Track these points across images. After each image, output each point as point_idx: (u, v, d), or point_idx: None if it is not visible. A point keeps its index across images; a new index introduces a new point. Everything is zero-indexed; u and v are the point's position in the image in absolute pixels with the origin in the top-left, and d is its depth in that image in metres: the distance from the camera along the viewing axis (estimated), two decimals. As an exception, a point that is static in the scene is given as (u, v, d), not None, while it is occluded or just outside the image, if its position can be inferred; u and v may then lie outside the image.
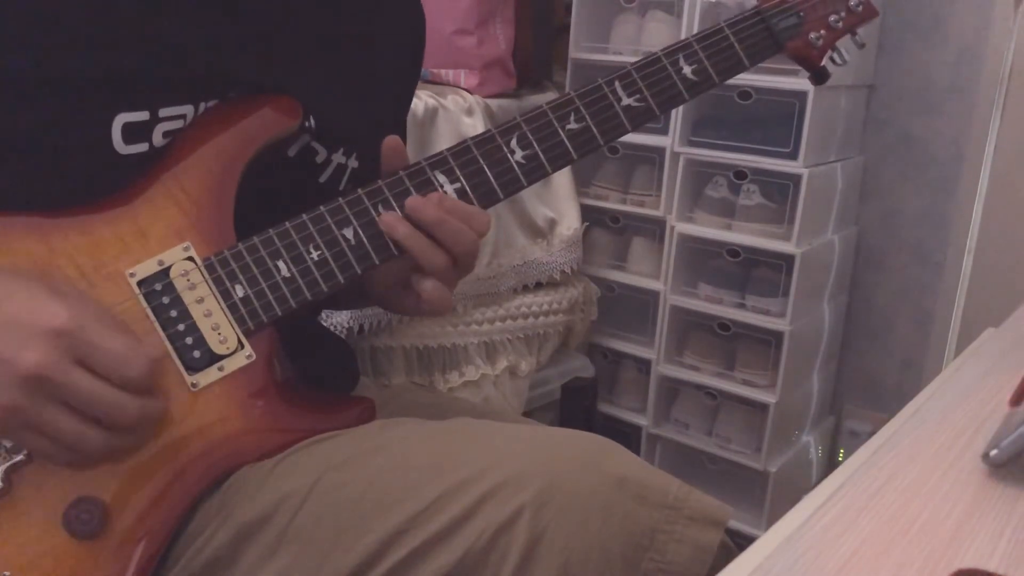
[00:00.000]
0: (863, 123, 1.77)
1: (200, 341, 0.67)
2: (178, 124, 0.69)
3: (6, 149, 0.65)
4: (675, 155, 1.65)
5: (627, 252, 1.79)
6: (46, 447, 0.60)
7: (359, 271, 0.71)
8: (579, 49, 1.74)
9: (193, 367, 0.66)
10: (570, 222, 1.67)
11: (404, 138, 0.92)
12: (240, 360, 0.68)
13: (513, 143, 0.73)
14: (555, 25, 1.76)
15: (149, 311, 0.66)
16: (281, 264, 0.69)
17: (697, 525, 0.61)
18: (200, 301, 0.67)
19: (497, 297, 1.56)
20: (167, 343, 0.66)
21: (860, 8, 0.79)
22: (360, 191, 0.71)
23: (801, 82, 1.47)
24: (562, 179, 1.67)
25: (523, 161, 0.73)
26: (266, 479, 0.66)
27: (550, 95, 1.69)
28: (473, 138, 0.73)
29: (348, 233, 0.70)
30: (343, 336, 1.28)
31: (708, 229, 1.65)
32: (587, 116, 0.73)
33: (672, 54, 0.75)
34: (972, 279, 1.66)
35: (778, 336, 1.60)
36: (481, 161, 0.72)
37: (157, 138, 0.68)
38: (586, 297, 1.74)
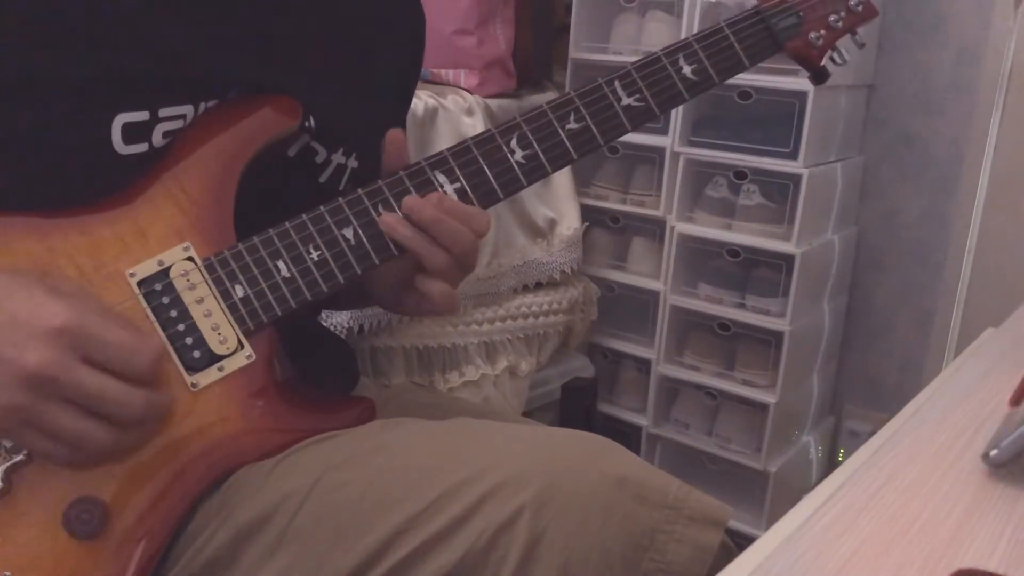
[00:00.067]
0: (863, 123, 1.77)
1: (200, 341, 0.67)
2: (178, 124, 0.69)
3: (6, 149, 0.65)
4: (675, 155, 1.65)
5: (627, 252, 1.79)
6: (49, 446, 0.60)
7: (359, 271, 0.71)
8: (579, 49, 1.74)
9: (193, 367, 0.66)
10: (570, 222, 1.67)
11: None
12: (240, 360, 0.68)
13: (513, 143, 0.73)
14: (555, 25, 1.76)
15: (149, 311, 0.66)
16: (281, 264, 0.69)
17: (697, 525, 0.61)
18: (200, 301, 0.67)
19: (497, 297, 1.56)
20: (167, 343, 0.66)
21: (860, 8, 0.79)
22: (360, 191, 0.71)
23: (801, 82, 1.47)
24: (562, 179, 1.67)
25: (523, 161, 0.73)
26: (266, 479, 0.66)
27: (550, 95, 1.69)
28: (473, 138, 0.73)
29: (348, 233, 0.70)
30: (343, 336, 1.28)
31: (708, 229, 1.65)
32: (587, 116, 0.73)
33: (672, 54, 0.75)
34: (972, 279, 1.66)
35: (778, 336, 1.60)
36: (481, 161, 0.72)
37: (157, 138, 0.68)
38: (586, 297, 1.74)
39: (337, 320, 1.28)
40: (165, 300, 0.66)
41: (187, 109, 0.70)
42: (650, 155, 1.70)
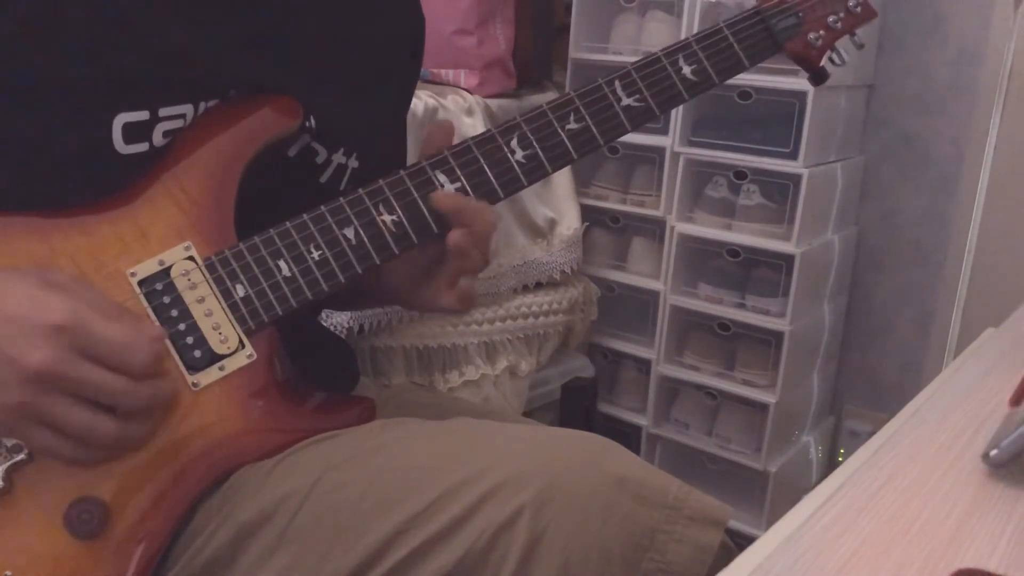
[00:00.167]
0: (863, 123, 1.77)
1: (201, 341, 0.67)
2: (178, 124, 0.69)
3: (6, 149, 0.65)
4: (675, 155, 1.65)
5: (627, 252, 1.79)
6: (55, 443, 0.60)
7: (360, 271, 0.71)
8: (579, 49, 1.74)
9: (194, 367, 0.66)
10: (570, 222, 1.68)
11: (404, 138, 0.92)
12: (241, 360, 0.68)
13: (513, 143, 0.73)
14: (555, 25, 1.76)
15: (150, 311, 0.66)
16: (282, 263, 0.69)
17: (697, 525, 0.61)
18: (201, 301, 0.67)
19: (497, 297, 1.56)
20: (168, 342, 0.66)
21: (859, 9, 0.79)
22: (361, 191, 0.71)
23: (801, 82, 1.47)
24: (562, 179, 1.68)
25: (523, 161, 0.73)
26: (266, 479, 0.66)
27: (550, 95, 1.69)
28: (473, 138, 0.73)
29: (349, 233, 0.71)
30: (343, 336, 1.28)
31: (708, 229, 1.65)
32: (587, 116, 0.73)
33: (672, 54, 0.75)
34: (972, 279, 1.66)
35: (778, 336, 1.60)
36: (481, 161, 0.72)
37: (157, 138, 0.68)
38: (586, 297, 1.74)
39: (337, 320, 1.28)
40: (166, 300, 0.67)
41: (187, 109, 0.70)
42: (650, 155, 1.71)
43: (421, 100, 1.40)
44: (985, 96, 1.63)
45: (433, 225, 0.72)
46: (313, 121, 0.76)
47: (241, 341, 0.68)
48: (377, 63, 0.84)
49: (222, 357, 0.67)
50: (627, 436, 1.80)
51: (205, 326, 0.67)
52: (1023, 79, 1.58)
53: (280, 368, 0.71)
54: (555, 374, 1.69)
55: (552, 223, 1.65)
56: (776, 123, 1.55)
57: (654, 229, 1.74)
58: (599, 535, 0.59)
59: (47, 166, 0.66)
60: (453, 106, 1.46)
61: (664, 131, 1.65)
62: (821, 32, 0.78)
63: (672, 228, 1.67)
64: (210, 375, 0.67)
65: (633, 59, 0.75)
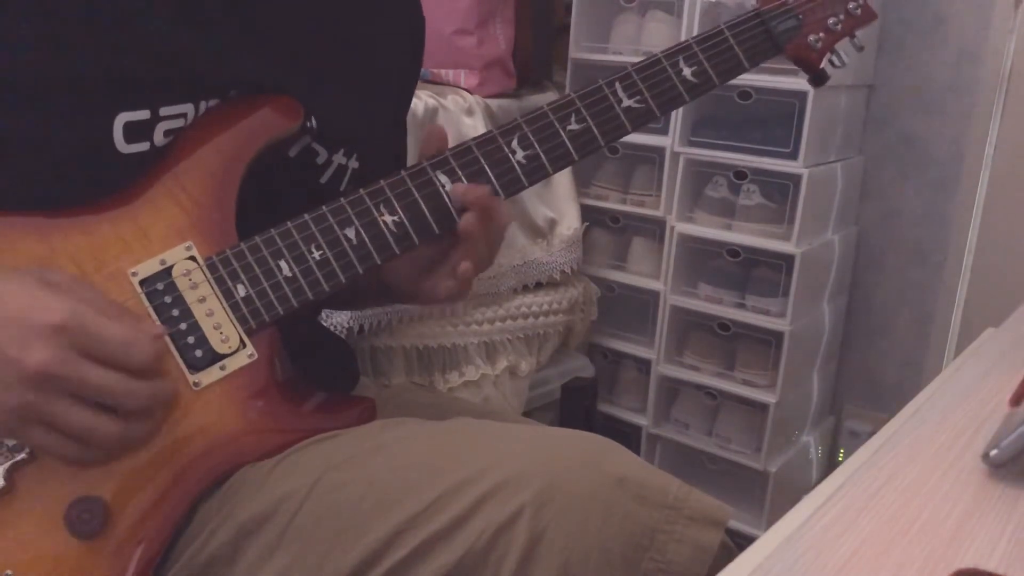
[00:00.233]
0: (863, 123, 1.77)
1: (202, 340, 0.67)
2: (179, 123, 0.69)
3: (7, 149, 0.65)
4: (675, 155, 1.65)
5: (627, 252, 1.79)
6: (57, 443, 0.60)
7: (361, 270, 0.71)
8: (579, 49, 1.74)
9: (195, 366, 0.67)
10: (570, 222, 1.68)
11: (404, 138, 0.92)
12: (242, 359, 0.68)
13: (514, 143, 0.73)
14: (555, 25, 1.76)
15: (151, 310, 0.66)
16: (283, 263, 0.69)
17: (697, 525, 0.62)
18: (202, 300, 0.67)
19: (497, 297, 1.56)
20: (169, 342, 0.66)
21: (859, 11, 0.79)
22: (362, 191, 0.71)
23: (801, 82, 1.47)
24: (562, 179, 1.68)
25: (524, 161, 0.73)
26: (266, 479, 0.66)
27: (550, 95, 1.69)
28: (474, 138, 0.73)
29: (350, 233, 0.71)
30: (343, 336, 1.28)
31: (708, 229, 1.65)
32: (588, 117, 0.74)
33: (672, 56, 0.75)
34: (972, 279, 1.67)
35: (778, 336, 1.60)
36: (482, 161, 0.73)
37: (158, 137, 0.68)
38: (586, 297, 1.74)
39: (337, 320, 1.28)
40: (167, 299, 0.67)
41: (188, 108, 0.70)
42: (650, 155, 1.71)
43: (421, 100, 1.40)
44: (985, 96, 1.63)
45: (434, 225, 0.72)
46: (314, 122, 0.76)
47: (242, 341, 0.68)
48: (377, 63, 0.84)
49: (223, 357, 0.67)
50: (627, 436, 1.80)
51: (206, 326, 0.67)
52: (1023, 79, 1.58)
53: (281, 368, 0.71)
54: (555, 374, 1.69)
55: (552, 223, 1.65)
56: (776, 123, 1.55)
57: (654, 229, 1.74)
58: (599, 535, 0.59)
59: (48, 166, 0.66)
60: (453, 106, 1.46)
61: (664, 131, 1.65)
62: (821, 34, 0.78)
63: (672, 228, 1.67)
64: (211, 375, 0.67)
65: (633, 59, 0.75)
